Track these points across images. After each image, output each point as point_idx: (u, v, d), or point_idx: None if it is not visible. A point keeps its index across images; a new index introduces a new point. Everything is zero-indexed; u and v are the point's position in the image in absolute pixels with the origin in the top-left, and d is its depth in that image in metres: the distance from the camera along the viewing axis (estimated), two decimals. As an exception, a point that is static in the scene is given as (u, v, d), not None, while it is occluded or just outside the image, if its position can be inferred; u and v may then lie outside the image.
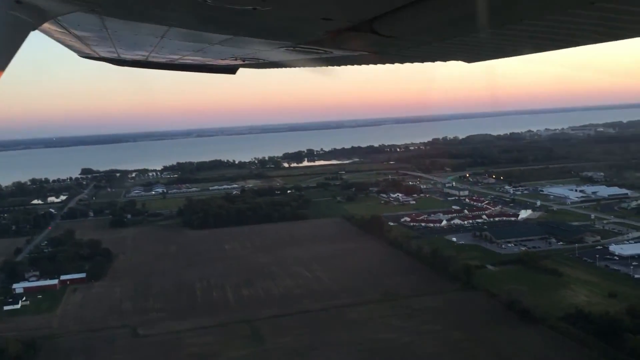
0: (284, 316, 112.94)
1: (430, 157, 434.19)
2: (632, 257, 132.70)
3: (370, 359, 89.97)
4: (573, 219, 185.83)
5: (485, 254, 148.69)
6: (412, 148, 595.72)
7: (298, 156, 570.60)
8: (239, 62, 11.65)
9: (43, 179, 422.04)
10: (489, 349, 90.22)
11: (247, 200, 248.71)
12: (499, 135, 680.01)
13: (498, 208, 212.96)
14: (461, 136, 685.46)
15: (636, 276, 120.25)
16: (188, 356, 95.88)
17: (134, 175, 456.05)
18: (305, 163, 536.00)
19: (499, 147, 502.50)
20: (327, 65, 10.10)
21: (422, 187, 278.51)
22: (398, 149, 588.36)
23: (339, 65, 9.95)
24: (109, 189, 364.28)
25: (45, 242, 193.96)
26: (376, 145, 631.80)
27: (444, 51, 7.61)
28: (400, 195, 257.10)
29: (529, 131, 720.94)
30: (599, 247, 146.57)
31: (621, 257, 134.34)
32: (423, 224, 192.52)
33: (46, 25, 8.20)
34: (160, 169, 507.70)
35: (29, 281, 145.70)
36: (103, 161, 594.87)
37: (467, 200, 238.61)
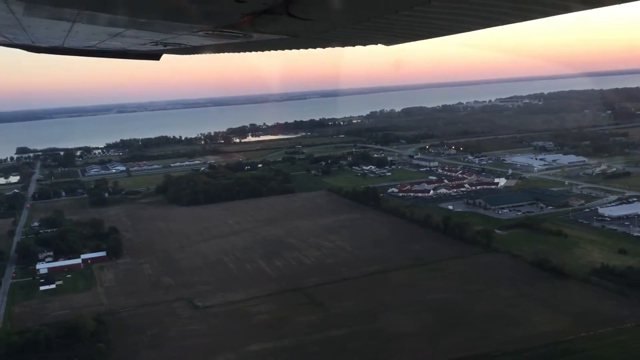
0: (330, 284, 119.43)
1: (379, 131, 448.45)
2: (622, 217, 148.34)
3: (436, 317, 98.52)
4: (549, 185, 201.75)
5: (486, 220, 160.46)
6: (355, 122, 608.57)
7: (242, 131, 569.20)
8: (160, 47, 11.42)
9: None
10: (539, 303, 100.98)
11: (227, 176, 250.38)
12: (434, 107, 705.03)
13: (474, 177, 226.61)
14: (397, 109, 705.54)
15: (635, 234, 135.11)
16: (264, 322, 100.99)
17: (79, 154, 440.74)
18: (251, 138, 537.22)
19: (440, 119, 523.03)
20: (247, 51, 10.14)
21: (389, 159, 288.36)
22: (342, 123, 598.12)
23: (258, 50, 10.01)
24: (61, 169, 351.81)
25: (37, 223, 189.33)
26: (317, 119, 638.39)
27: (362, 34, 7.75)
28: (372, 167, 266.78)
29: (460, 103, 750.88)
30: (587, 210, 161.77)
31: (612, 218, 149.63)
32: (412, 194, 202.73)
33: None
34: (103, 146, 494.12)
35: (45, 262, 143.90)
36: (33, 139, 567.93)
37: (439, 170, 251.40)
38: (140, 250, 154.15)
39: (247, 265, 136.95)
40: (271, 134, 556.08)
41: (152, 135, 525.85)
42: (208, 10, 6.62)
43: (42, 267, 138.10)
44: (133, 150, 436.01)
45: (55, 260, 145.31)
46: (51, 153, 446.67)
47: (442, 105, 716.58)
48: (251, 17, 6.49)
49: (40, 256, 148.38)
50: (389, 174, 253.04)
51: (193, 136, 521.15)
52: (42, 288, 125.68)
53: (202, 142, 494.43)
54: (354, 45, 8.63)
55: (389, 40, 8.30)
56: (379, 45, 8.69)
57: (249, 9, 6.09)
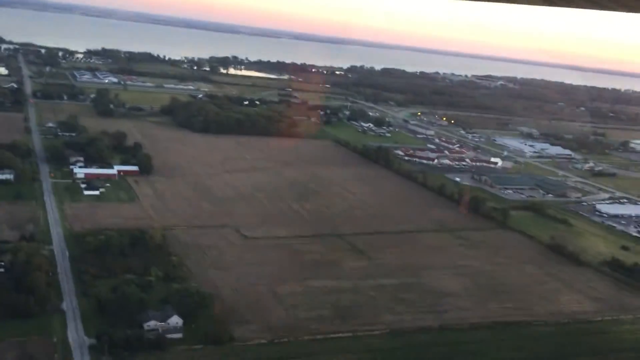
0: (366, 234, 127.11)
1: (365, 87, 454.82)
2: (619, 216, 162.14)
3: (475, 283, 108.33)
4: (544, 173, 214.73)
5: (494, 197, 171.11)
6: (338, 73, 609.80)
7: (225, 62, 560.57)
8: None
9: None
10: (564, 284, 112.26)
11: (232, 109, 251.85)
12: (413, 73, 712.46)
13: (472, 153, 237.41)
14: (376, 67, 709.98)
15: (633, 233, 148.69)
16: (316, 261, 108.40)
17: (60, 54, 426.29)
18: (234, 71, 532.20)
19: (423, 87, 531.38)
20: None
21: (387, 119, 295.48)
22: (325, 72, 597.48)
23: None
24: (49, 68, 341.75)
25: (51, 124, 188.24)
26: (298, 63, 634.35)
27: None
28: (371, 125, 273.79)
29: (437, 73, 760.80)
30: (584, 204, 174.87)
31: (609, 215, 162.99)
32: (416, 160, 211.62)
33: None
34: (83, 51, 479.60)
35: (79, 166, 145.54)
36: (4, 29, 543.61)
37: (436, 140, 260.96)
38: (169, 170, 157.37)
39: (279, 203, 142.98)
40: (254, 70, 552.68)
41: (135, 49, 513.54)
42: None
43: (80, 172, 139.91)
44: (117, 62, 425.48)
45: (85, 166, 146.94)
46: (31, 49, 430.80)
47: (420, 72, 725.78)
48: None
49: (71, 160, 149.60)
50: (389, 135, 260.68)
51: (176, 58, 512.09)
52: (86, 193, 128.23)
53: (187, 65, 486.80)
54: None
55: None
56: None
57: None
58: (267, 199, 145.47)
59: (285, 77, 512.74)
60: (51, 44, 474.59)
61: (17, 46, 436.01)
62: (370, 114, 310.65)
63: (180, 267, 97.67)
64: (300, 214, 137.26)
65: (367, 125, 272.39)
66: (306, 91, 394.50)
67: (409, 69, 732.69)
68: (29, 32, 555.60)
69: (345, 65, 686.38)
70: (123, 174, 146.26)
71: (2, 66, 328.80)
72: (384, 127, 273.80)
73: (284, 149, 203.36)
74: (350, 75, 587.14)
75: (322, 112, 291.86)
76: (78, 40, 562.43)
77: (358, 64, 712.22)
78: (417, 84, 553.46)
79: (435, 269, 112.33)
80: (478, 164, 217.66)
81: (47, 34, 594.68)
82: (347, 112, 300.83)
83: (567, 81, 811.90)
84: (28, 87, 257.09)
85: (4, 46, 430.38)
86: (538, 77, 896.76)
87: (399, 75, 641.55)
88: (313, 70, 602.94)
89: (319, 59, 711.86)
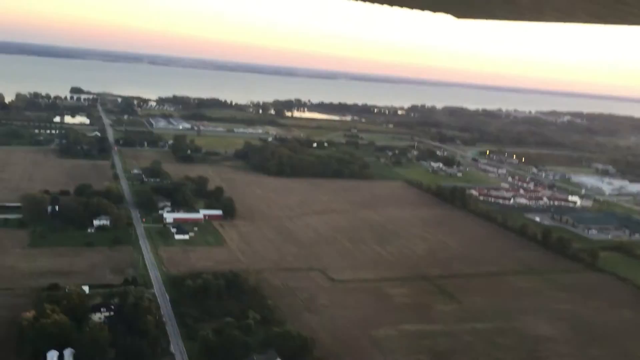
0: (452, 277, 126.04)
1: (430, 126, 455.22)
2: None
3: (572, 327, 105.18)
4: (625, 211, 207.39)
5: (578, 238, 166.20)
6: (400, 113, 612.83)
7: (289, 105, 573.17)
8: None
9: (45, 95, 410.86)
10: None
11: (304, 151, 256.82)
12: (476, 110, 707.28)
13: (549, 192, 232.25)
14: (437, 105, 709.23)
15: None
16: (406, 304, 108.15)
17: (135, 102, 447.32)
18: (298, 113, 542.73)
19: (487, 123, 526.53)
20: None
21: (456, 159, 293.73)
22: (387, 112, 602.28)
23: None
24: (126, 117, 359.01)
25: (137, 170, 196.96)
26: (359, 104, 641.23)
27: (436, 1, 7.62)
28: (440, 165, 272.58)
29: (500, 110, 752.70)
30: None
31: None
32: (492, 199, 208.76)
33: None
34: (155, 98, 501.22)
35: (167, 211, 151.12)
36: (82, 81, 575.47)
37: (509, 179, 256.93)
38: (251, 214, 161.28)
39: (361, 245, 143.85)
40: (317, 112, 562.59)
41: (203, 95, 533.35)
42: None
43: (169, 217, 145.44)
44: (188, 108, 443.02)
45: (173, 211, 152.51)
46: (108, 98, 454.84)
47: (483, 110, 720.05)
48: None
49: (160, 204, 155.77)
50: (460, 174, 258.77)
51: (243, 103, 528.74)
52: (177, 237, 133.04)
53: (253, 110, 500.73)
54: (422, 10, 8.29)
55: (461, 12, 7.81)
56: (448, 15, 8.38)
57: None
58: (348, 240, 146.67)
59: (349, 118, 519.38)
60: (125, 92, 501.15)
61: (95, 96, 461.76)
62: (439, 153, 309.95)
63: (276, 310, 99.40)
64: (384, 256, 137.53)
65: (436, 165, 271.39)
66: (371, 132, 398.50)
67: (471, 106, 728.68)
68: (104, 82, 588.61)
69: (407, 105, 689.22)
70: (208, 218, 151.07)
71: (84, 116, 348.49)
72: (455, 167, 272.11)
73: (358, 190, 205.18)
74: (412, 115, 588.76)
75: (390, 153, 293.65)
76: (150, 88, 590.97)
77: (419, 103, 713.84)
78: (481, 121, 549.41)
79: (528, 312, 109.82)
80: (556, 202, 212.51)
81: (120, 83, 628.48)
82: (416, 152, 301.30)
83: (638, 115, 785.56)
84: (110, 135, 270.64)
85: (83, 96, 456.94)
86: (605, 111, 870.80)
87: (461, 114, 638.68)
88: (375, 110, 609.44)
89: (379, 99, 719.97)
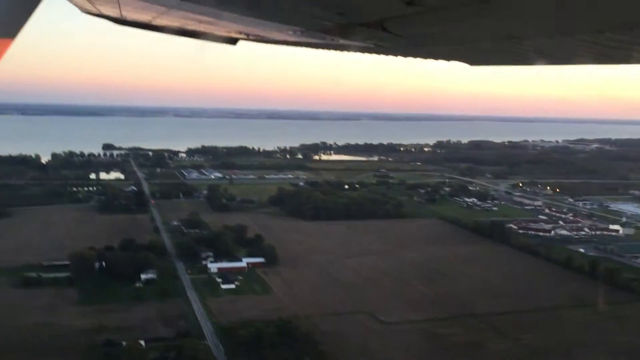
0: (502, 314, 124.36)
1: (458, 162, 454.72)
2: None
3: None
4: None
5: (627, 268, 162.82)
6: (426, 150, 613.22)
7: (315, 148, 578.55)
8: (242, 35, 11.66)
9: (79, 153, 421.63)
10: None
11: (337, 194, 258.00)
12: (502, 143, 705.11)
13: (587, 221, 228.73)
14: (463, 140, 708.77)
15: None
16: (461, 344, 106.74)
17: (166, 155, 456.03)
18: (324, 156, 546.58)
19: (515, 156, 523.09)
20: (329, 49, 10.49)
21: (490, 193, 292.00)
22: (413, 150, 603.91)
23: (341, 50, 10.24)
24: (159, 169, 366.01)
25: (176, 222, 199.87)
26: (385, 143, 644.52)
27: (449, 52, 7.95)
28: (475, 200, 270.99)
29: (526, 141, 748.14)
30: None
31: None
32: (531, 232, 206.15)
33: None
34: (185, 150, 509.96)
35: (210, 261, 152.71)
36: (114, 137, 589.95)
37: (546, 210, 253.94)
38: (292, 260, 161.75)
39: (405, 286, 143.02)
40: (343, 154, 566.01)
41: (230, 144, 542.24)
42: (307, 17, 6.81)
43: (213, 267, 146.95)
44: (217, 158, 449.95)
45: (216, 261, 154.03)
46: (140, 153, 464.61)
47: (509, 142, 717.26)
48: (345, 26, 6.67)
49: (202, 255, 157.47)
50: (495, 208, 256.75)
51: (270, 149, 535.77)
52: (223, 287, 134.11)
53: (280, 155, 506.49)
54: (436, 59, 8.84)
55: (475, 60, 8.36)
56: (462, 64, 8.85)
57: (346, 20, 6.34)
58: (391, 281, 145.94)
59: (376, 158, 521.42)
60: (155, 146, 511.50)
61: (126, 151, 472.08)
62: (471, 188, 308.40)
63: (329, 356, 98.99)
64: (429, 296, 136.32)
65: (470, 200, 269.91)
66: (400, 170, 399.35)
67: (496, 139, 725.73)
68: (134, 137, 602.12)
69: (432, 141, 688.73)
70: (251, 266, 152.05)
71: (119, 171, 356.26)
72: (489, 201, 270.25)
73: (394, 230, 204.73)
74: (439, 151, 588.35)
75: (422, 191, 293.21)
76: (178, 140, 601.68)
77: (444, 139, 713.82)
78: (508, 154, 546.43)
79: (589, 347, 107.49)
80: (597, 232, 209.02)
81: (149, 137, 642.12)
82: (448, 189, 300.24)
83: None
84: (146, 189, 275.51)
85: (115, 152, 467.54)
86: (634, 136, 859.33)
87: (488, 147, 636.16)
88: (401, 149, 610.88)
89: (404, 137, 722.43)
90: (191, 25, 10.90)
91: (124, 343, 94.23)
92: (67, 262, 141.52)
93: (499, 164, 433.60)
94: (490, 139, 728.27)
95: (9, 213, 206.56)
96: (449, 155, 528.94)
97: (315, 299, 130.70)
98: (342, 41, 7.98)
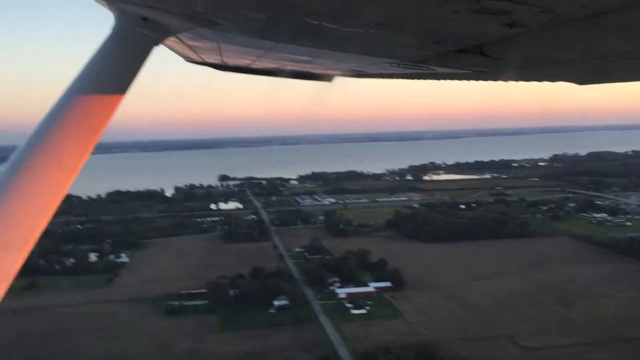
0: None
1: (576, 175, 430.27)
2: None
3: None
4: None
5: None
6: (541, 164, 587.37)
7: (423, 169, 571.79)
8: (338, 72, 11.72)
9: (198, 185, 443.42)
10: None
11: (456, 215, 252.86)
12: (625, 153, 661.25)
13: None
14: (580, 152, 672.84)
15: None
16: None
17: (278, 182, 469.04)
18: (434, 176, 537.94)
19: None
20: (427, 79, 10.25)
21: (620, 207, 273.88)
22: (527, 165, 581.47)
23: (438, 79, 9.97)
24: (274, 197, 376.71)
25: (298, 249, 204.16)
26: (497, 159, 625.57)
27: (554, 73, 7.64)
28: (605, 215, 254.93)
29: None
30: None
31: None
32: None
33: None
34: (295, 177, 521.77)
35: (337, 287, 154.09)
36: (227, 168, 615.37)
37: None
38: (418, 283, 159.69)
39: (542, 308, 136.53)
40: (454, 173, 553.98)
41: (340, 169, 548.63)
42: (402, 49, 6.69)
43: (341, 292, 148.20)
44: (328, 183, 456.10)
45: (342, 286, 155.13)
46: (254, 182, 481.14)
47: (632, 151, 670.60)
48: (442, 54, 6.45)
49: (329, 280, 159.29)
50: (629, 223, 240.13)
51: (379, 172, 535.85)
52: (354, 312, 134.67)
53: (389, 177, 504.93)
54: (540, 81, 8.54)
55: (584, 80, 8.10)
56: (570, 83, 8.57)
57: (442, 49, 6.13)
58: (526, 304, 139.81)
59: (488, 176, 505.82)
60: (267, 174, 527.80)
61: (241, 181, 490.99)
62: (598, 203, 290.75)
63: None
64: (571, 319, 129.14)
65: (600, 215, 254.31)
66: (517, 187, 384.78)
67: (617, 149, 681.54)
68: (245, 167, 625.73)
69: (546, 155, 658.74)
70: (379, 291, 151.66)
71: (236, 201, 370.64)
72: (621, 216, 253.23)
73: (521, 250, 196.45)
74: (556, 165, 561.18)
75: (545, 208, 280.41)
76: (288, 168, 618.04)
77: (559, 152, 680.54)
78: (634, 164, 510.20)
79: None
80: None
81: (260, 166, 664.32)
82: (572, 204, 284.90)
83: None
84: (265, 217, 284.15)
85: (230, 183, 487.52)
86: None
87: (610, 158, 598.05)
88: (514, 164, 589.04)
89: (515, 152, 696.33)
90: (289, 66, 11.13)
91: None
92: (203, 290, 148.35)
93: (625, 176, 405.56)
94: (611, 149, 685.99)
95: (144, 245, 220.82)
96: (567, 168, 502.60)
97: (448, 323, 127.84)
98: (438, 69, 7.93)
